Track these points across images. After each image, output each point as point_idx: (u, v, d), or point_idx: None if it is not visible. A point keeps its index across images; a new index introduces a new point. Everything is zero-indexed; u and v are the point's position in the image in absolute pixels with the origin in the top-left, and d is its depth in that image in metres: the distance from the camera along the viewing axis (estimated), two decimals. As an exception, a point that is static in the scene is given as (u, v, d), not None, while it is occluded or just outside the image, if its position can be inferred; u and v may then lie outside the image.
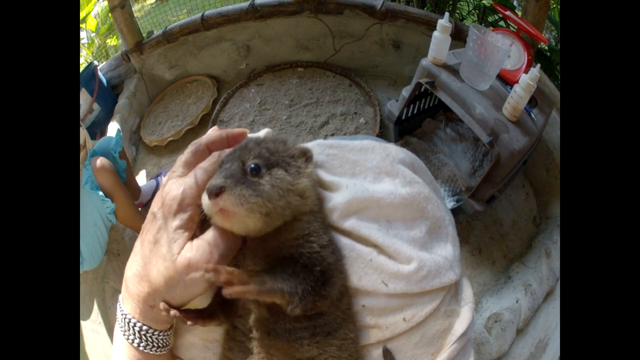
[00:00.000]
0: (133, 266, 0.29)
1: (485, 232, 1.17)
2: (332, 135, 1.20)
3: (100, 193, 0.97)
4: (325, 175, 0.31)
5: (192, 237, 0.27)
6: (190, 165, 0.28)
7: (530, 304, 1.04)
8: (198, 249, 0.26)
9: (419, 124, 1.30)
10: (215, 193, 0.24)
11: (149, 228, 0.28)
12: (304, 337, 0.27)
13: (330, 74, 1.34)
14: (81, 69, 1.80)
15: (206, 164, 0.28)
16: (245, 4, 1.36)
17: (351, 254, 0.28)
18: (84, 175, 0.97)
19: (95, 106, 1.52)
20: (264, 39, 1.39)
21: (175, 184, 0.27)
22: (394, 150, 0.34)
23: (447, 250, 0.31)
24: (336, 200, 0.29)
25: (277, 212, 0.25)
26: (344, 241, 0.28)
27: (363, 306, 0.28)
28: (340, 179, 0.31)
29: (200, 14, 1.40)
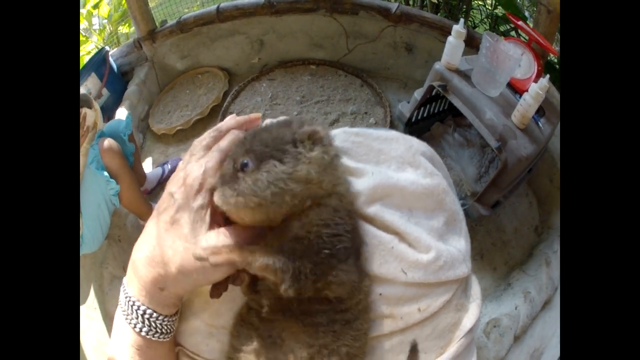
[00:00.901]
0: (144, 247, 0.27)
1: (487, 238, 1.18)
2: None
3: (106, 174, 0.96)
4: (350, 162, 0.31)
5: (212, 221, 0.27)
6: (210, 149, 0.28)
7: (529, 311, 1.05)
8: (223, 232, 0.26)
9: (428, 127, 1.31)
10: (210, 192, 0.26)
11: (165, 208, 0.27)
12: (321, 323, 0.26)
13: (342, 73, 1.35)
14: (91, 55, 1.80)
15: (224, 143, 0.28)
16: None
17: (373, 240, 0.28)
18: (90, 154, 0.97)
19: (105, 91, 1.52)
20: (278, 35, 1.39)
21: (196, 164, 0.27)
22: (416, 143, 0.35)
23: (460, 243, 0.32)
24: (361, 186, 0.29)
25: (271, 203, 0.24)
26: (366, 227, 0.29)
27: (380, 294, 0.28)
28: (366, 165, 0.32)
29: (215, 6, 1.41)
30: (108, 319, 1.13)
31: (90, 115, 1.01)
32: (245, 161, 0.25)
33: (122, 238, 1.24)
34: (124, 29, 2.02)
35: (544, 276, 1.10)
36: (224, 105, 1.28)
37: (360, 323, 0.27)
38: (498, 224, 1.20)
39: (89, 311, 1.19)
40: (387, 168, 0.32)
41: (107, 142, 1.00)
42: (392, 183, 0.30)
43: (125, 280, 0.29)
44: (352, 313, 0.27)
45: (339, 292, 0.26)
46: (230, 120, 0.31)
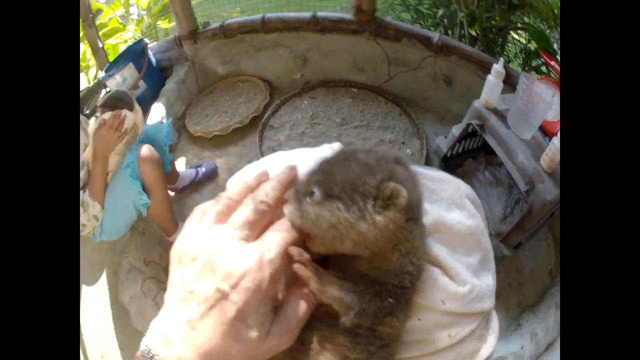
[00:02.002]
0: (193, 346, 0.23)
1: (505, 279, 1.23)
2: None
3: (139, 184, 0.96)
4: None
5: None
6: (254, 227, 0.25)
7: (533, 351, 1.11)
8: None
9: (461, 163, 1.34)
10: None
11: (220, 309, 0.22)
12: (360, 342, 0.28)
13: (382, 99, 1.37)
14: (128, 44, 1.79)
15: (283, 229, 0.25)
16: (307, 14, 1.38)
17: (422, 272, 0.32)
18: (128, 158, 0.97)
19: (141, 83, 1.53)
20: (322, 53, 1.41)
21: (248, 254, 0.23)
22: (463, 186, 0.38)
23: (489, 280, 0.36)
24: None
25: (330, 239, 0.25)
26: None
27: (419, 320, 0.31)
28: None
29: (261, 16, 1.41)
30: (117, 306, 1.16)
31: (129, 118, 1.01)
32: (314, 190, 0.25)
33: (147, 231, 1.25)
34: (163, 24, 2.01)
35: (552, 319, 1.15)
36: (264, 118, 1.30)
37: (394, 346, 0.30)
38: (517, 265, 1.25)
39: (98, 294, 1.21)
40: (438, 207, 0.35)
41: (148, 151, 0.99)
42: (442, 221, 0.33)
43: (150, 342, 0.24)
44: (388, 339, 0.29)
45: (388, 331, 0.28)
46: (267, 186, 0.28)
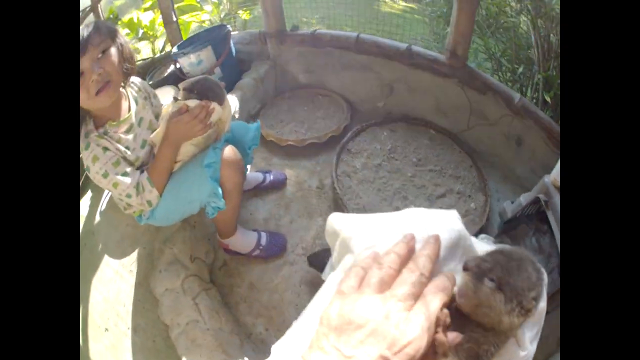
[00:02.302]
0: None
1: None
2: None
3: (217, 186, 0.87)
4: None
5: None
6: (416, 297, 0.28)
7: None
8: None
9: (516, 226, 1.37)
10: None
11: None
12: None
13: (457, 148, 1.38)
14: (204, 25, 1.72)
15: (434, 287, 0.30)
16: (402, 45, 1.37)
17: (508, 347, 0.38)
18: (210, 156, 0.87)
19: (217, 71, 1.48)
20: (408, 87, 1.40)
21: (414, 324, 0.25)
22: (545, 277, 0.44)
23: (534, 346, 0.43)
24: None
25: (477, 310, 0.35)
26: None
27: None
28: None
29: (355, 34, 1.39)
30: (143, 289, 1.10)
31: (217, 112, 0.91)
32: (492, 278, 0.34)
33: (198, 225, 1.21)
34: (243, 15, 1.95)
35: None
36: (344, 141, 1.28)
37: None
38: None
39: (123, 269, 1.15)
40: None
41: (234, 154, 0.91)
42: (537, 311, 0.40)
43: None
44: None
45: None
46: (424, 258, 0.34)
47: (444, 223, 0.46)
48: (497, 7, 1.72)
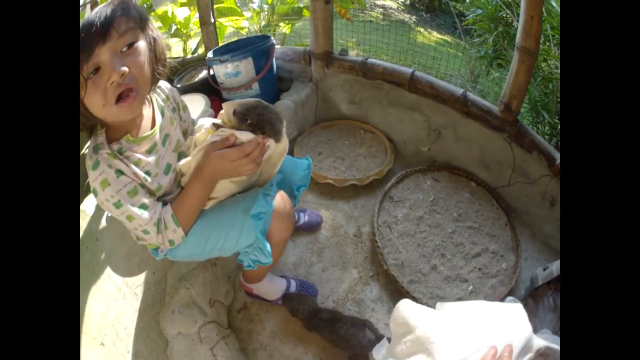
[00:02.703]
0: None
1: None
2: (479, 270, 1.20)
3: (264, 241, 0.73)
4: None
5: None
6: None
7: None
8: None
9: (538, 286, 1.36)
10: None
11: None
12: None
13: (495, 204, 1.33)
14: (243, 32, 1.59)
15: None
16: (458, 90, 1.30)
17: None
18: (259, 204, 0.72)
19: (255, 86, 1.37)
20: (456, 135, 1.34)
21: None
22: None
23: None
24: None
25: None
26: None
27: None
28: None
29: (411, 71, 1.32)
30: (148, 317, 1.00)
31: (270, 149, 0.73)
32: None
33: (220, 263, 1.11)
34: (284, 27, 1.81)
35: None
36: (387, 187, 1.20)
37: None
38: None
39: (126, 289, 1.05)
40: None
41: (287, 206, 0.77)
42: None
43: None
44: None
45: None
46: None
47: (517, 327, 0.55)
48: (542, 56, 1.69)
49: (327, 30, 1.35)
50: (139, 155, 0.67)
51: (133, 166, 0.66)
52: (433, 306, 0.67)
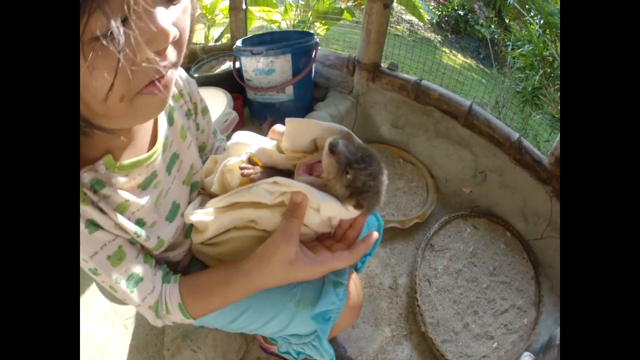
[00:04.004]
0: None
1: None
2: (504, 326, 1.14)
3: (332, 352, 0.57)
4: None
5: None
6: None
7: None
8: None
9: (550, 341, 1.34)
10: None
11: None
12: None
13: (526, 256, 1.27)
14: (277, 25, 1.35)
15: None
16: (515, 134, 1.20)
17: None
18: (329, 297, 0.52)
19: (289, 90, 1.17)
20: (503, 181, 1.24)
21: None
22: None
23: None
24: None
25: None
26: None
27: None
28: None
29: (469, 103, 1.18)
30: (138, 354, 0.87)
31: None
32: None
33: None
34: (320, 28, 1.56)
35: None
36: (428, 236, 1.08)
37: None
38: None
39: (115, 318, 0.95)
40: None
41: (360, 296, 0.59)
42: None
43: None
44: None
45: None
46: None
47: None
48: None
49: (380, 38, 1.17)
50: (125, 195, 0.40)
51: (117, 215, 0.40)
52: None
